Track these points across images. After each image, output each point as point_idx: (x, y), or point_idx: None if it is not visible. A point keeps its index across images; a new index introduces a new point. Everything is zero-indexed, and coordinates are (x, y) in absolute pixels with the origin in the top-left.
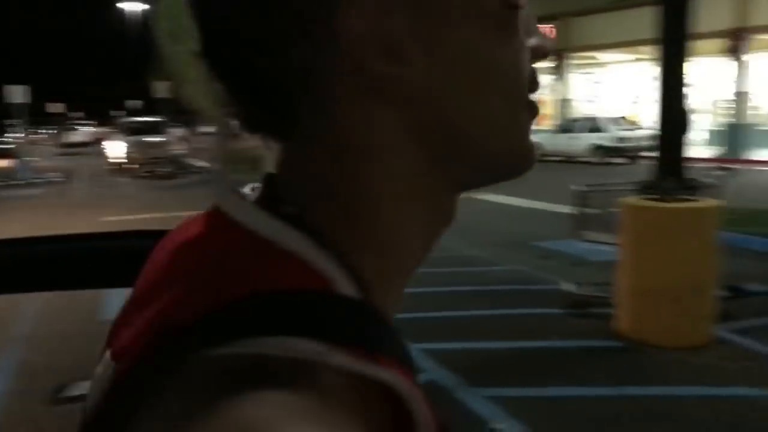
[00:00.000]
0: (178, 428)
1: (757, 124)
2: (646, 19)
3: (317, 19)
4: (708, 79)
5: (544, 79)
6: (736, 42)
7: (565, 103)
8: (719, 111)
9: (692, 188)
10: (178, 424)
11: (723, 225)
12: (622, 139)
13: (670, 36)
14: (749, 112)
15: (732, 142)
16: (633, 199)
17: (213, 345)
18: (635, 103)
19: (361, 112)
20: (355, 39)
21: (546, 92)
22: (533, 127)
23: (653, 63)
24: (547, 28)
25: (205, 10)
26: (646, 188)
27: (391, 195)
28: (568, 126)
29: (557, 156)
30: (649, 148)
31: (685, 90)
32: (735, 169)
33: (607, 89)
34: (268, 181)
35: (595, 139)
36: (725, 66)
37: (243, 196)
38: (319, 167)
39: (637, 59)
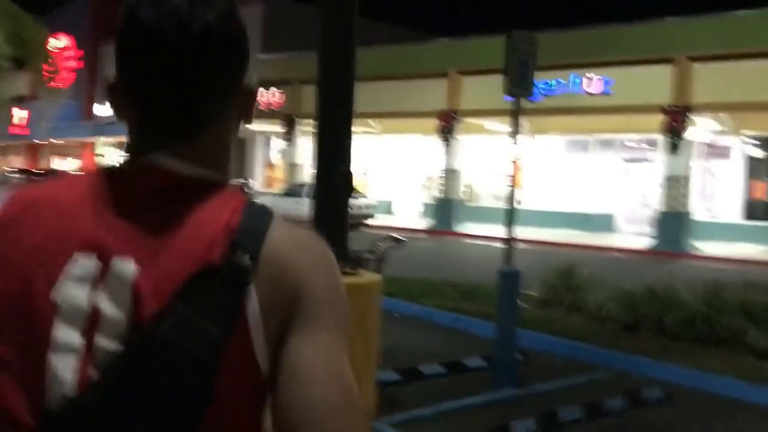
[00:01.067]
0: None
1: (464, 200)
2: (374, 92)
3: (244, 74)
4: (423, 155)
5: (276, 143)
6: (447, 123)
7: (294, 167)
8: (432, 186)
9: (354, 260)
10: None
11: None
12: None
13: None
14: (458, 188)
15: (440, 216)
16: None
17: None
18: (364, 173)
19: (235, 129)
20: (240, 90)
21: (277, 156)
22: (263, 190)
23: (379, 135)
24: (276, 93)
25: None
26: None
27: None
28: (294, 190)
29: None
30: (369, 216)
31: (348, 155)
32: (404, 241)
33: None
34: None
35: None
36: (438, 144)
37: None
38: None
39: (365, 131)
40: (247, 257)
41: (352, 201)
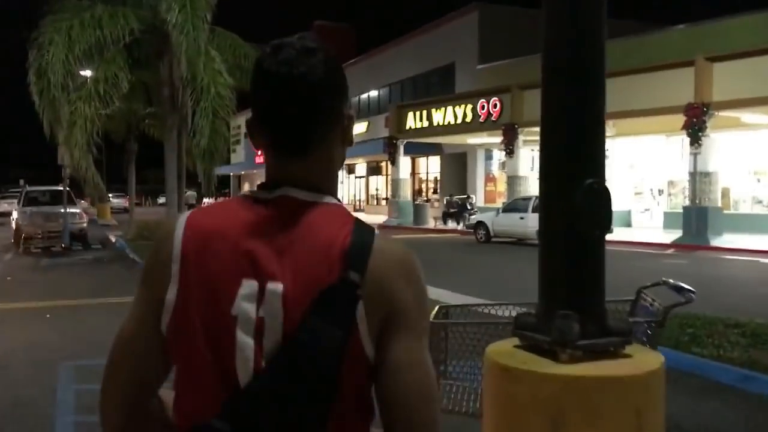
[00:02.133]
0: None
1: (719, 208)
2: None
3: (343, 106)
4: (662, 158)
5: (497, 156)
6: (696, 118)
7: (515, 180)
8: (677, 192)
9: (617, 330)
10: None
11: None
12: None
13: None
14: (713, 193)
15: (691, 226)
16: (499, 348)
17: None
18: None
19: (340, 151)
20: (347, 118)
21: (497, 168)
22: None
23: (613, 138)
24: (496, 103)
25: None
26: (525, 325)
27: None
28: (518, 205)
29: (506, 237)
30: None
31: (601, 165)
32: (691, 293)
33: None
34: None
35: None
36: (682, 144)
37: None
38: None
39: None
40: (356, 275)
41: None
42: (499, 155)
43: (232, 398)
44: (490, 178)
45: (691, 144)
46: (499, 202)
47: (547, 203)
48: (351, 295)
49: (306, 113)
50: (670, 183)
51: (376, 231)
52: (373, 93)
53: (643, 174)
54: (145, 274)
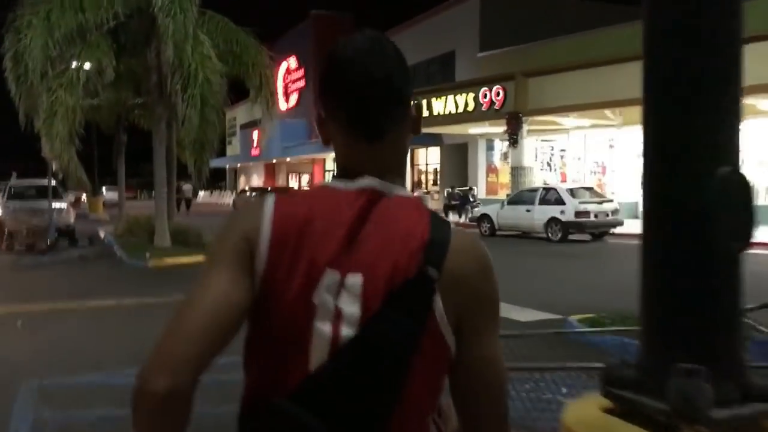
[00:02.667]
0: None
1: None
2: (615, 78)
3: (410, 97)
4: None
5: (499, 146)
6: None
7: (520, 171)
8: None
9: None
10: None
11: None
12: (582, 213)
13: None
14: None
15: None
16: (582, 414)
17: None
18: (595, 173)
19: (408, 139)
20: (410, 106)
21: (499, 159)
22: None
23: (619, 127)
24: (500, 91)
25: (396, 83)
26: (618, 379)
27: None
28: (523, 197)
29: (511, 230)
30: (615, 224)
31: (736, 150)
32: None
33: (570, 157)
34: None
35: (552, 211)
36: None
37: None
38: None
39: (607, 124)
40: (434, 270)
41: (591, 206)
42: (501, 145)
43: (304, 382)
44: (491, 169)
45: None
46: (502, 194)
47: (656, 201)
48: (428, 290)
49: (383, 96)
50: None
51: (452, 224)
52: None
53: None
54: (226, 249)
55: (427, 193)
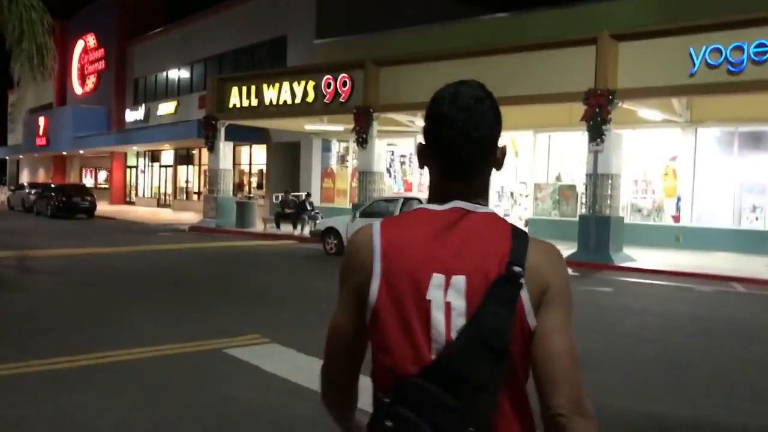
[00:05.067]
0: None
1: (622, 218)
2: (483, 70)
3: (497, 142)
4: (527, 156)
5: (335, 147)
6: (601, 107)
7: (368, 176)
8: (544, 196)
9: None
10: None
11: None
12: None
13: None
14: None
15: (586, 239)
16: None
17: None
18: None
19: (491, 172)
20: (500, 151)
21: (336, 162)
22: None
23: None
24: (340, 79)
25: (482, 130)
26: None
27: None
28: (379, 208)
29: None
30: None
31: None
32: None
33: (415, 163)
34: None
35: None
36: (549, 141)
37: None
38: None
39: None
40: (519, 269)
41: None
42: (337, 147)
43: (429, 363)
44: (327, 174)
45: (592, 140)
46: (339, 202)
47: None
48: (516, 284)
49: (475, 154)
50: (537, 187)
51: (527, 230)
52: (185, 69)
53: (502, 176)
54: (346, 273)
55: (250, 198)
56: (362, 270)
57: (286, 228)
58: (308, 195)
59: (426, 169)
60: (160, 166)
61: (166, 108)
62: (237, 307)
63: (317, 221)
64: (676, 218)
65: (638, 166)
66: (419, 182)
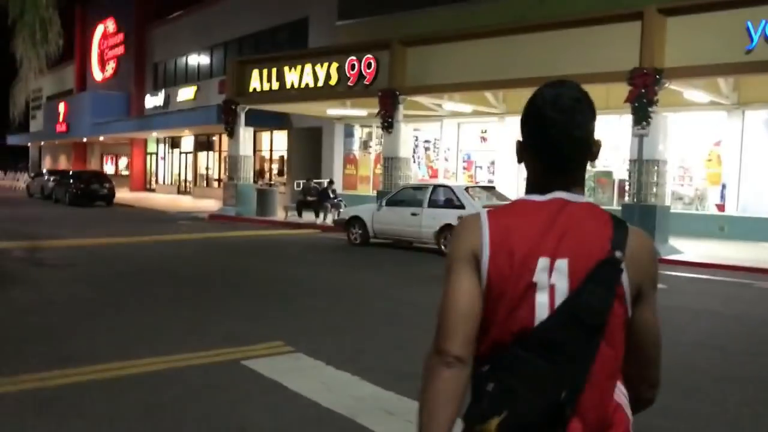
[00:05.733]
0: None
1: (668, 207)
2: (507, 52)
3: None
4: None
5: (358, 132)
6: (646, 87)
7: (394, 163)
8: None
9: None
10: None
11: None
12: None
13: None
14: None
15: None
16: None
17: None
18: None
19: (585, 168)
20: (596, 145)
21: (359, 147)
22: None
23: (501, 117)
24: (365, 60)
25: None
26: None
27: None
28: (406, 196)
29: (391, 238)
30: None
31: None
32: None
33: (442, 149)
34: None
35: (446, 216)
36: None
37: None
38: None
39: (489, 112)
40: (620, 254)
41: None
42: (360, 132)
43: (533, 333)
44: (350, 160)
45: (637, 123)
46: (362, 189)
47: None
48: (617, 268)
49: (578, 150)
50: None
51: (626, 222)
52: (205, 53)
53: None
54: (460, 254)
55: (271, 185)
56: (475, 245)
57: (308, 216)
58: (331, 182)
59: (436, 158)
60: (180, 153)
61: (185, 93)
62: (257, 306)
63: (341, 209)
64: (721, 207)
65: (680, 152)
66: (445, 168)
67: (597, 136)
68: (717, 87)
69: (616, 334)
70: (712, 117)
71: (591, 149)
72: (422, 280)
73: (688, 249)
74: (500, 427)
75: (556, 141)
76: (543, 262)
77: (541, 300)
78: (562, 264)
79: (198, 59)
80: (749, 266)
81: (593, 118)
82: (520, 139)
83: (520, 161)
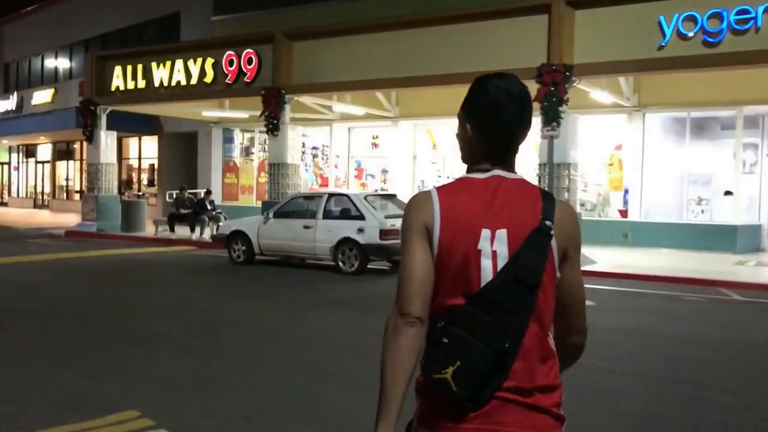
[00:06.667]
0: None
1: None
2: (403, 48)
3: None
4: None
5: (238, 137)
6: (557, 85)
7: (281, 170)
8: None
9: None
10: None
11: None
12: (390, 232)
13: None
14: None
15: None
16: None
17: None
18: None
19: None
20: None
21: (239, 154)
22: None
23: (395, 121)
24: (245, 55)
25: (523, 123)
26: None
27: None
28: (297, 207)
29: (279, 254)
30: None
31: None
32: None
33: (332, 156)
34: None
35: (344, 229)
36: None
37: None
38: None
39: (383, 115)
40: (549, 223)
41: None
42: (241, 137)
43: (478, 293)
44: (230, 167)
45: (546, 123)
46: (244, 200)
47: None
48: (548, 235)
49: (522, 132)
50: None
51: (552, 194)
52: (64, 52)
53: (423, 169)
54: (414, 227)
55: (140, 196)
56: (427, 218)
57: (183, 231)
58: (208, 192)
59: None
60: (37, 162)
61: (42, 96)
62: (108, 353)
63: (220, 223)
64: (624, 213)
65: (581, 156)
66: (336, 176)
67: None
68: (619, 88)
69: (549, 291)
70: (613, 120)
71: (527, 132)
72: (320, 306)
73: (599, 258)
74: (454, 374)
75: (508, 126)
76: (486, 232)
77: (486, 264)
78: (501, 233)
79: (56, 59)
80: (671, 276)
81: (532, 105)
82: (464, 126)
83: (463, 149)
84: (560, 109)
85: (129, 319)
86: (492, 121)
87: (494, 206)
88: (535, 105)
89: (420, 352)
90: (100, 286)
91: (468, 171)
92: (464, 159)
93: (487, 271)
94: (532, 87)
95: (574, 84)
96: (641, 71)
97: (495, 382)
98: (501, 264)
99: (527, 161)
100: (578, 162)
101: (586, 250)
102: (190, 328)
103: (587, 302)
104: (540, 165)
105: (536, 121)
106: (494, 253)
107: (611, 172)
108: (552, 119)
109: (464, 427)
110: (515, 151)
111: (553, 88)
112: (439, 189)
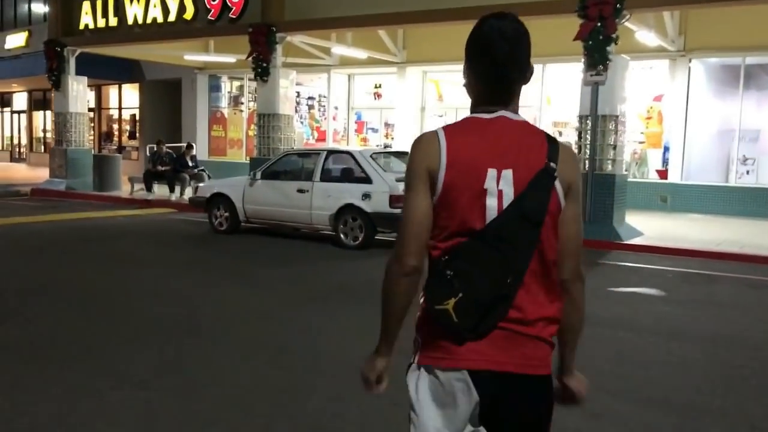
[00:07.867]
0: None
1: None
2: None
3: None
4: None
5: (226, 84)
6: (605, 20)
7: (274, 120)
8: None
9: None
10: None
11: None
12: (401, 198)
13: None
14: None
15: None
16: None
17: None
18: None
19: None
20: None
21: (227, 103)
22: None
23: (402, 67)
24: None
25: (522, 64)
26: None
27: None
28: (289, 166)
29: (268, 222)
30: None
31: None
32: None
33: (330, 107)
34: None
35: (347, 194)
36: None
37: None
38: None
39: (388, 60)
40: (553, 165)
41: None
42: (228, 85)
43: (484, 229)
44: (217, 119)
45: (591, 67)
46: (232, 155)
47: None
48: (551, 175)
49: (520, 71)
50: None
51: (555, 137)
52: None
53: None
54: (418, 171)
55: (121, 150)
56: (432, 160)
57: (162, 190)
58: (189, 146)
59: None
60: (12, 112)
61: (15, 40)
62: (54, 361)
63: (201, 183)
64: (663, 173)
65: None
66: (335, 130)
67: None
68: (664, 29)
69: (550, 229)
70: (653, 67)
71: (527, 75)
72: (319, 296)
73: (644, 228)
74: (456, 305)
75: (502, 65)
76: (492, 172)
77: (491, 203)
78: (507, 173)
79: None
80: (736, 252)
81: (530, 47)
82: (465, 66)
83: (468, 92)
84: (608, 49)
85: (84, 306)
86: (484, 60)
87: (500, 147)
88: (577, 45)
89: (415, 293)
90: (53, 259)
91: (472, 111)
92: (472, 99)
93: (492, 210)
94: (574, 22)
95: (625, 20)
96: (698, 3)
97: (497, 313)
98: (506, 203)
99: (565, 111)
100: (625, 114)
101: (628, 218)
102: (162, 319)
103: (654, 291)
104: (580, 118)
105: (577, 67)
106: (500, 193)
107: (649, 126)
108: (598, 61)
109: (463, 357)
110: (514, 93)
111: (599, 23)
112: (446, 129)
